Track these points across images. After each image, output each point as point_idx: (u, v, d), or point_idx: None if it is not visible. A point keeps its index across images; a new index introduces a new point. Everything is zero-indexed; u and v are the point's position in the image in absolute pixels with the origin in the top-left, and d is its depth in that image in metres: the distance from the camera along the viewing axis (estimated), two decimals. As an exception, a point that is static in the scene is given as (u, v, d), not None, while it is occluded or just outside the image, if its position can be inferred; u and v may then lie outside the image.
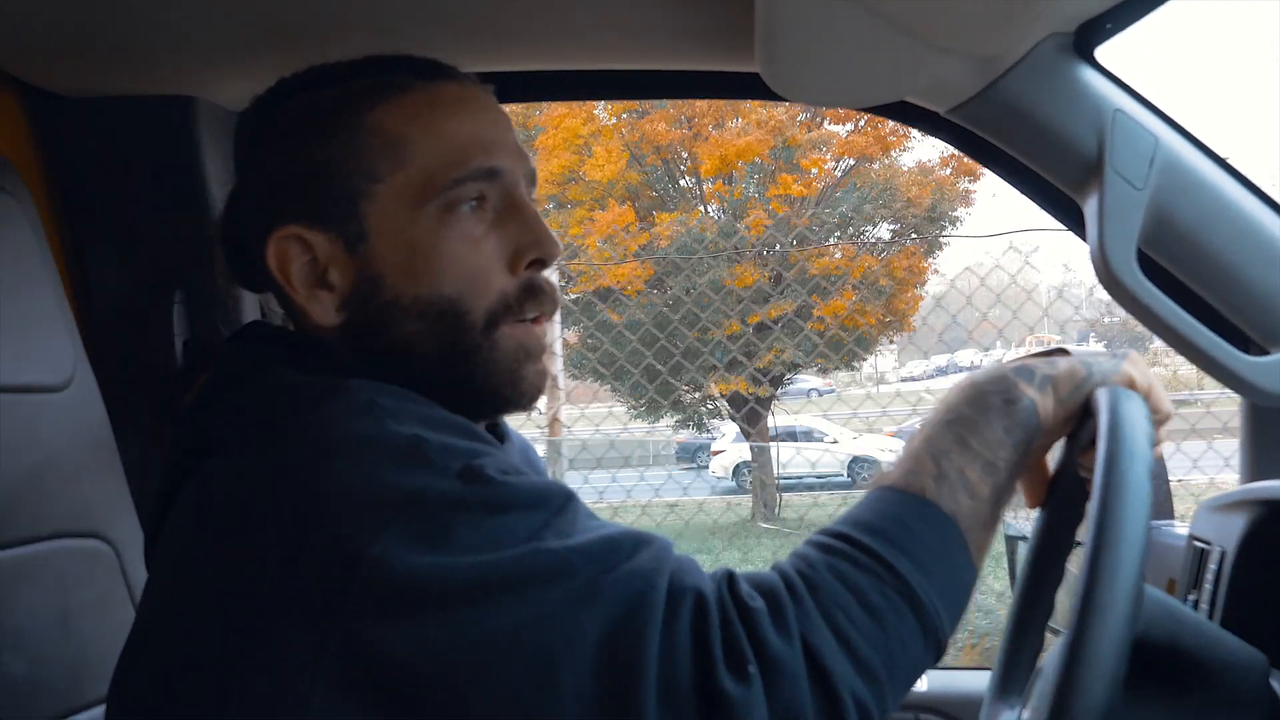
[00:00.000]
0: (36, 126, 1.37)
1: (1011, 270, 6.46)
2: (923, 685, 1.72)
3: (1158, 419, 0.93)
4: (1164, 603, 0.89)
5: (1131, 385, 0.91)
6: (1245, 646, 0.93)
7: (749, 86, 1.29)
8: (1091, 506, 0.79)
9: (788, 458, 9.44)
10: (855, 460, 10.27)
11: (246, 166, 0.99)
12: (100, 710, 1.19)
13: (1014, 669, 1.04)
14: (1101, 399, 0.87)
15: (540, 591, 0.72)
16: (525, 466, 1.08)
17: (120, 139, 1.40)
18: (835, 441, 10.46)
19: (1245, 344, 1.24)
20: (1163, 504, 1.55)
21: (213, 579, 0.77)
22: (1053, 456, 1.00)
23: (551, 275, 0.99)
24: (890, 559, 0.79)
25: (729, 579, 0.77)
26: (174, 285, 1.44)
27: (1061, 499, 1.00)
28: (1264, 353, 1.22)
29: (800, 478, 9.66)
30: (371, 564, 0.71)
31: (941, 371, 15.13)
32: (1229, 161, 1.23)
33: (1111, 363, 0.92)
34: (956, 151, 1.56)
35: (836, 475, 10.14)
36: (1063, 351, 0.95)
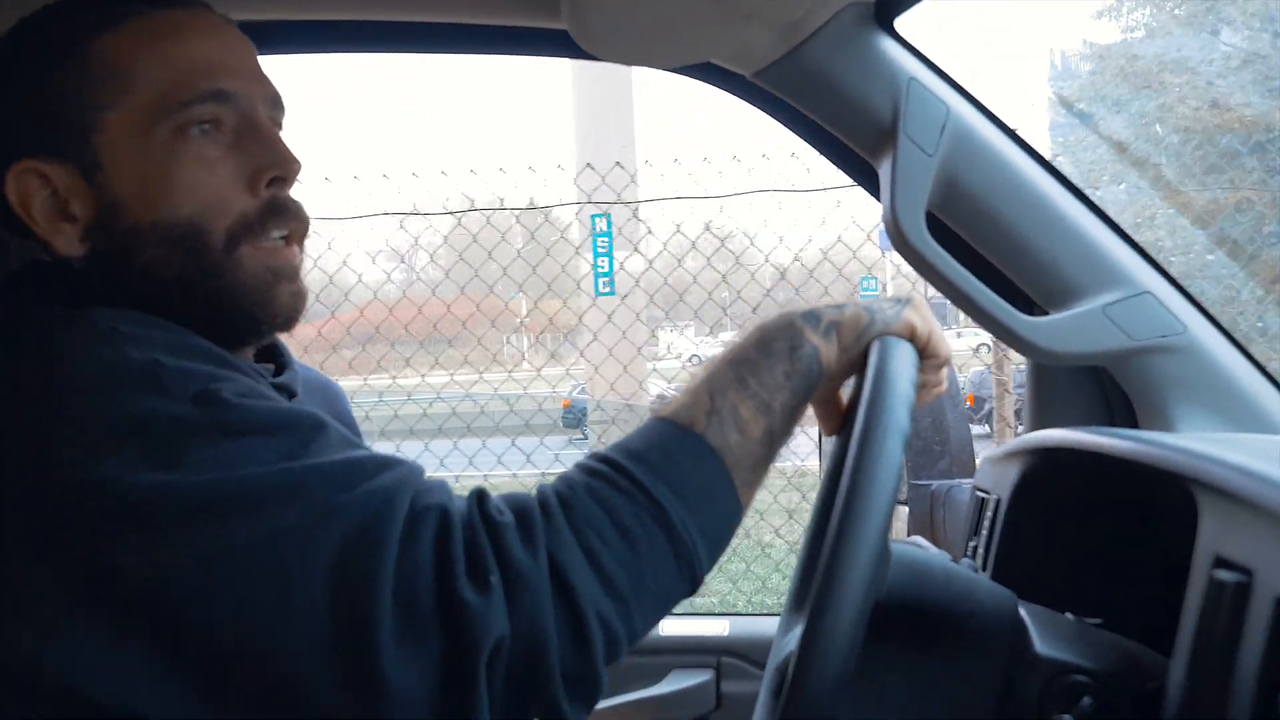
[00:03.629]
0: None
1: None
2: (724, 630, 1.78)
3: (936, 363, 0.98)
4: (912, 562, 0.93)
5: (912, 333, 0.94)
6: (995, 589, 0.97)
7: (557, 43, 1.31)
8: (848, 459, 0.81)
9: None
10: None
11: None
12: None
13: (809, 582, 1.09)
14: (874, 347, 0.91)
15: (274, 509, 0.73)
16: (313, 400, 1.10)
17: None
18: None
19: (1029, 307, 1.31)
20: (965, 464, 1.63)
21: None
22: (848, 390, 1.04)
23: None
24: (648, 484, 0.81)
25: (479, 496, 0.79)
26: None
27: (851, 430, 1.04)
28: (1045, 314, 1.30)
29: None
30: (100, 485, 0.73)
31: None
32: (1017, 132, 1.31)
33: (894, 309, 0.95)
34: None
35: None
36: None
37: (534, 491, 0.82)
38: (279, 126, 0.99)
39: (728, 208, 5.43)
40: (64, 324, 0.82)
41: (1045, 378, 1.40)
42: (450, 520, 0.76)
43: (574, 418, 9.15)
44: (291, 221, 0.95)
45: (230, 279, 0.92)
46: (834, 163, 1.43)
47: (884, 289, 8.25)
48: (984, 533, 1.29)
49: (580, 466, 0.84)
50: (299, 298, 0.97)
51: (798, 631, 1.08)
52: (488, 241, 5.93)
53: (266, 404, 0.80)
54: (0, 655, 0.76)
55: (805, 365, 0.91)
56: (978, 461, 1.55)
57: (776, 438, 0.90)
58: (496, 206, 5.85)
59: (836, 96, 1.26)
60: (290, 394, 1.02)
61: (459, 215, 6.08)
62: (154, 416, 0.75)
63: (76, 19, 0.94)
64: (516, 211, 5.84)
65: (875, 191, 1.38)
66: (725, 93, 1.37)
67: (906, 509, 1.64)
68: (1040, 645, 0.94)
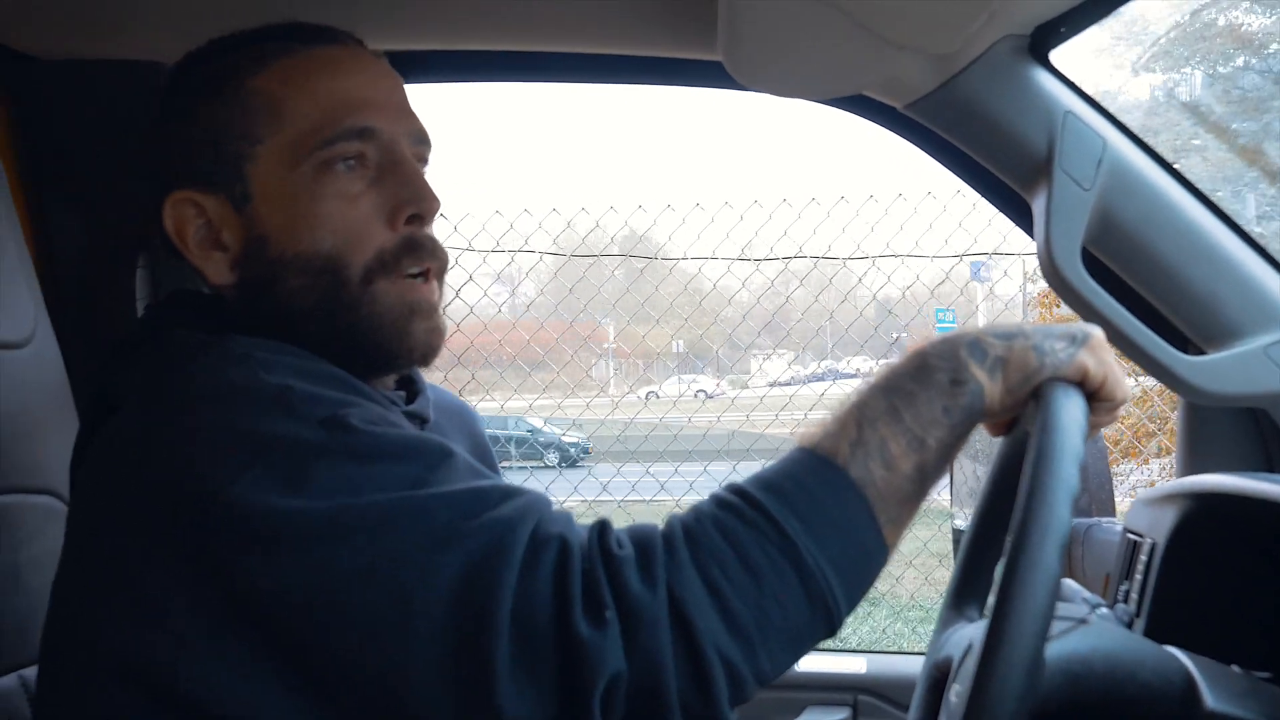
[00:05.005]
0: (7, 86, 1.38)
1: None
2: (862, 667, 1.75)
3: (1109, 407, 0.90)
4: (1068, 665, 0.90)
5: (1085, 377, 0.87)
6: (1160, 659, 0.95)
7: (710, 74, 1.31)
8: (1015, 517, 0.78)
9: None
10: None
11: (148, 137, 1.03)
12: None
13: (973, 577, 1.08)
14: (1044, 395, 0.84)
15: (397, 534, 0.74)
16: (460, 436, 1.11)
17: (90, 102, 1.41)
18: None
19: (1183, 344, 1.28)
20: (1104, 502, 1.59)
21: (100, 525, 0.83)
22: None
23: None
24: (778, 515, 0.76)
25: (600, 528, 0.77)
26: (137, 249, 1.45)
27: (1019, 438, 1.02)
28: (1200, 353, 1.26)
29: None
30: (229, 503, 0.75)
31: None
32: (1174, 166, 1.27)
33: (1067, 351, 0.86)
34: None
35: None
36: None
37: (665, 523, 0.79)
38: (424, 162, 1.01)
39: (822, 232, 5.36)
40: (202, 348, 0.86)
41: (1199, 419, 1.36)
42: (569, 552, 0.74)
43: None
44: (428, 258, 0.96)
45: (367, 312, 0.94)
46: (985, 196, 1.41)
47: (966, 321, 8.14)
48: (1138, 577, 1.25)
49: (712, 497, 0.81)
50: (435, 333, 0.98)
51: (958, 629, 1.08)
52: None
53: (394, 431, 0.81)
54: (136, 662, 0.79)
55: (966, 402, 0.84)
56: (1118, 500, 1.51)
57: (929, 475, 0.84)
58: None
59: (990, 129, 1.24)
60: (422, 420, 1.03)
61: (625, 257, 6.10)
62: (283, 438, 0.77)
63: (236, 55, 0.98)
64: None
65: (1026, 226, 1.36)
66: (875, 124, 1.36)
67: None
68: (1212, 701, 0.92)
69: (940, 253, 5.56)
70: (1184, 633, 1.09)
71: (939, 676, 1.06)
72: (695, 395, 8.24)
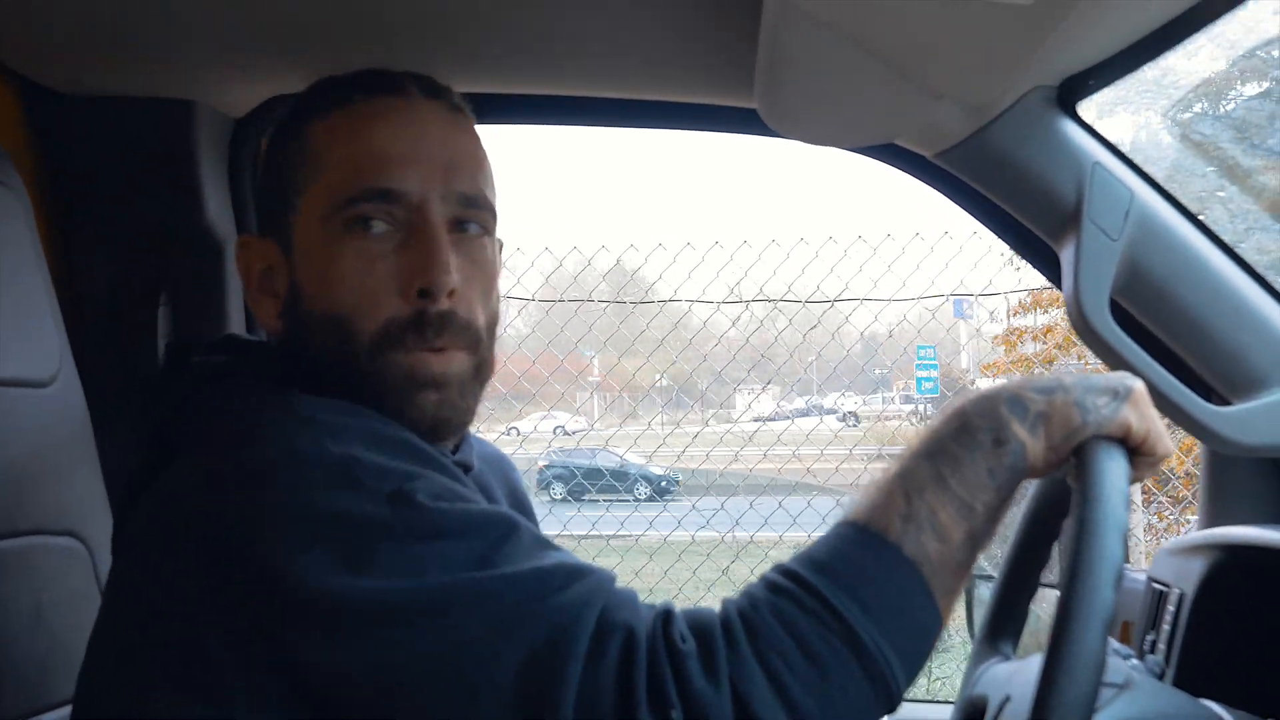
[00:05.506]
0: (34, 122, 1.37)
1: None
2: None
3: (1151, 462, 0.88)
4: None
5: (1128, 433, 0.85)
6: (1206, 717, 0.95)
7: (745, 121, 1.32)
8: (1061, 579, 0.78)
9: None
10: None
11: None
12: (67, 710, 1.18)
13: (1007, 613, 1.09)
14: (1086, 456, 0.83)
15: (460, 618, 0.72)
16: (498, 486, 1.09)
17: (117, 139, 1.41)
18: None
19: (1207, 394, 1.28)
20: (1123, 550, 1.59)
21: (151, 586, 0.80)
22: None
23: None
24: (837, 604, 0.75)
25: (665, 617, 0.75)
26: (160, 287, 1.44)
27: (1055, 479, 1.02)
28: (1225, 403, 1.26)
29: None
30: (294, 583, 0.73)
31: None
32: (1200, 218, 1.28)
33: (1110, 406, 0.84)
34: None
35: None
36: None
37: (720, 609, 0.78)
38: (479, 226, 0.96)
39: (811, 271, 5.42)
40: (268, 407, 0.84)
41: (1223, 469, 1.37)
42: (635, 643, 0.72)
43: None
44: (433, 338, 0.91)
45: (375, 381, 0.90)
46: (1011, 245, 1.41)
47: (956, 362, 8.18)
48: (1165, 627, 1.25)
49: (765, 581, 0.79)
50: (449, 407, 0.93)
51: (992, 665, 1.07)
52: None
53: (459, 506, 0.78)
54: None
55: (1010, 462, 0.82)
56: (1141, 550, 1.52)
57: (979, 541, 0.82)
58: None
59: (1019, 179, 1.25)
60: (466, 469, 1.01)
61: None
62: (348, 515, 0.75)
63: (308, 101, 0.98)
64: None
65: (1051, 274, 1.37)
66: (903, 172, 1.37)
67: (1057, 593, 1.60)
68: None
69: (926, 292, 5.61)
70: (1214, 684, 1.09)
71: (974, 714, 1.06)
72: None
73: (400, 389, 0.91)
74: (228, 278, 1.51)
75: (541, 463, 8.76)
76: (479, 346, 0.95)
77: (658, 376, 8.24)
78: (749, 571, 5.04)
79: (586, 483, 7.52)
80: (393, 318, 0.90)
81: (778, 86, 1.12)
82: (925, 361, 7.58)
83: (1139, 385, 0.87)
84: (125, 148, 1.42)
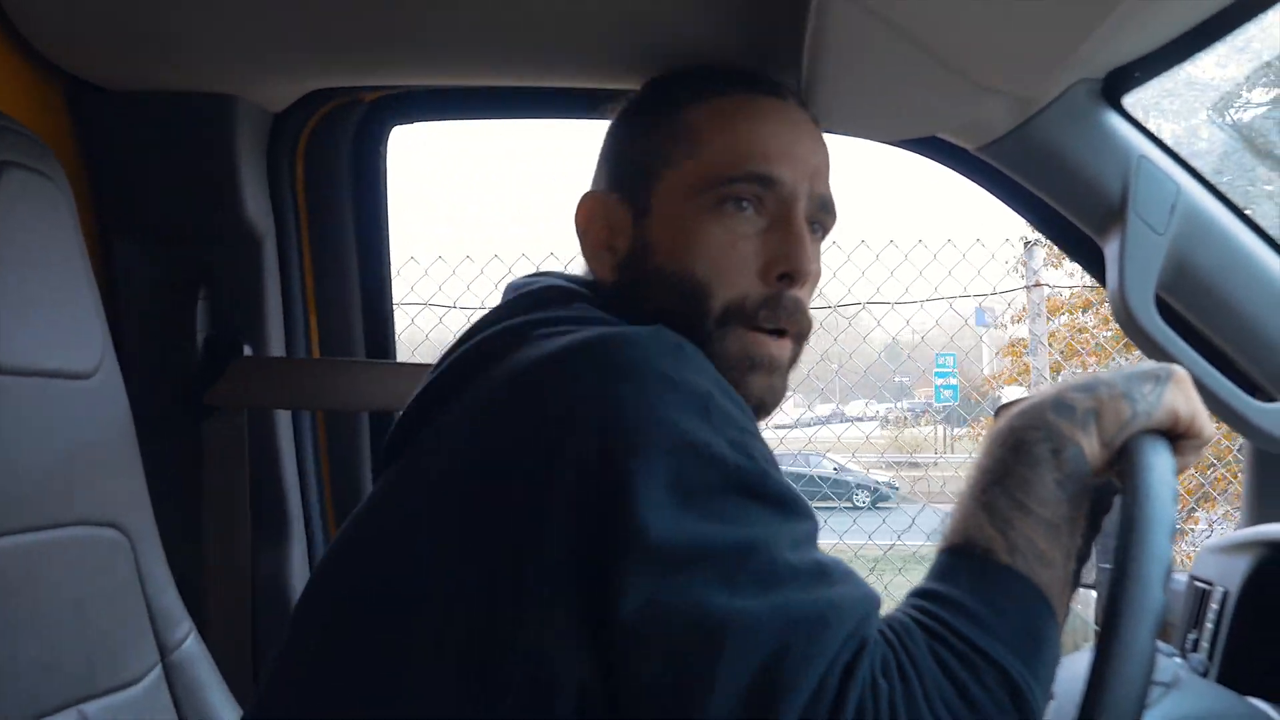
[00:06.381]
0: (78, 117, 1.38)
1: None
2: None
3: (1195, 445, 0.87)
4: None
5: (1175, 421, 0.84)
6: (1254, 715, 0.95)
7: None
8: (1110, 578, 0.77)
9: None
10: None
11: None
12: (109, 699, 1.18)
13: None
14: (1133, 453, 0.82)
15: (742, 585, 0.72)
16: None
17: (158, 133, 1.41)
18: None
19: (1252, 390, 1.27)
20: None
21: (465, 473, 0.81)
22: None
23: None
24: (988, 648, 0.74)
25: (871, 654, 0.73)
26: (199, 282, 1.45)
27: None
28: (1270, 400, 1.25)
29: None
30: (624, 479, 0.73)
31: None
32: (1246, 213, 1.27)
33: (1155, 393, 0.84)
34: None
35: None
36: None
37: (884, 643, 0.76)
38: (822, 230, 1.03)
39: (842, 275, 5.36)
40: (633, 327, 0.84)
41: (1267, 466, 1.36)
42: (862, 659, 0.72)
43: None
44: (784, 319, 0.97)
45: (713, 350, 0.93)
46: (1053, 240, 1.41)
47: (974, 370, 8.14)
48: (1209, 626, 1.24)
49: (911, 619, 0.77)
50: (772, 392, 0.98)
51: None
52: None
53: (780, 476, 0.79)
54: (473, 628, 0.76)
55: (1074, 468, 0.81)
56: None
57: (1072, 555, 0.81)
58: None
59: (1064, 172, 1.25)
60: None
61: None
62: (695, 438, 0.75)
63: (682, 87, 1.05)
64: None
65: (1094, 269, 1.36)
66: (944, 166, 1.36)
67: (1094, 593, 1.59)
68: None
69: (955, 296, 5.56)
70: (1259, 682, 1.08)
71: None
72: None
73: (735, 363, 0.95)
74: (266, 272, 1.51)
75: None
76: (804, 339, 1.01)
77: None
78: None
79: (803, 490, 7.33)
80: (747, 294, 0.96)
81: (823, 79, 1.11)
82: (944, 369, 7.55)
83: (1178, 369, 0.86)
84: (166, 142, 1.42)
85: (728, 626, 0.71)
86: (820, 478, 7.66)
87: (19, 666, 1.08)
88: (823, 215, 1.02)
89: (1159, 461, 0.81)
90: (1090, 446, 0.82)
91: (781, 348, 0.98)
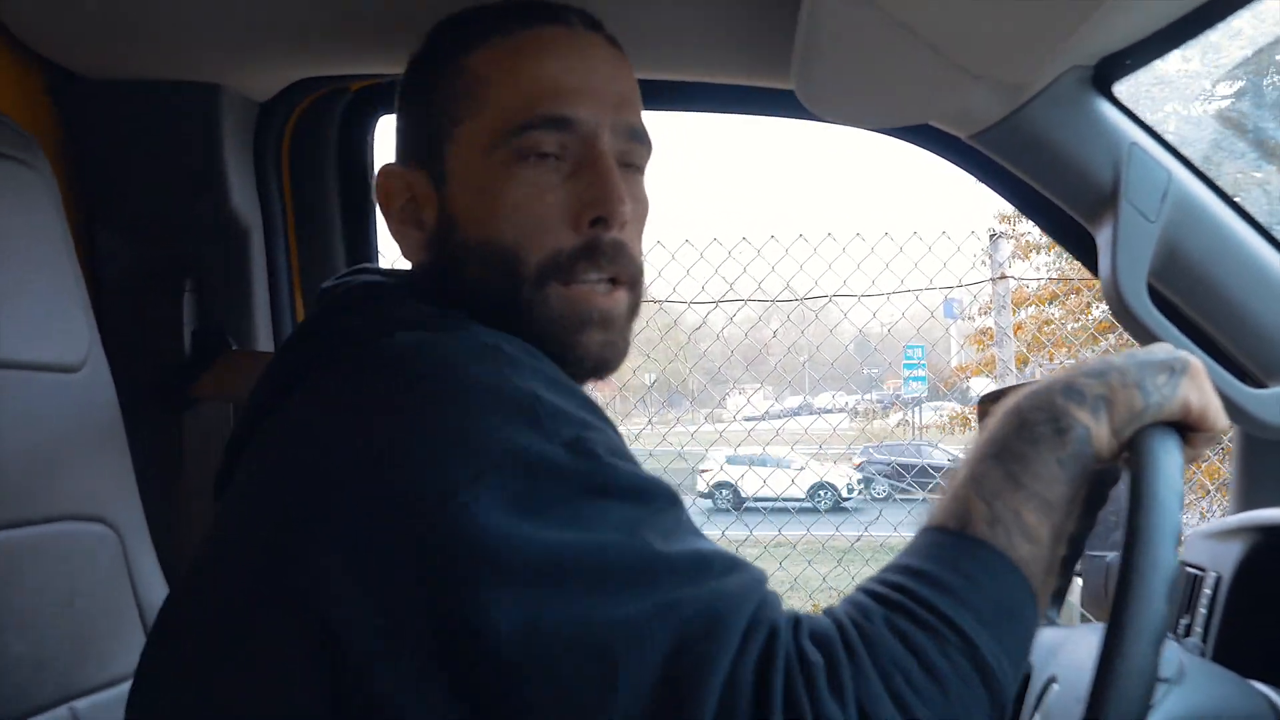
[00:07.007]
0: (60, 107, 1.36)
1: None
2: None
3: (1208, 438, 0.84)
4: None
5: (1187, 412, 0.81)
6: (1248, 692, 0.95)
7: (779, 103, 1.31)
8: (1114, 588, 0.74)
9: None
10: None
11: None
12: (100, 695, 1.17)
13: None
14: (1142, 445, 0.79)
15: (618, 589, 0.68)
16: None
17: (142, 123, 1.40)
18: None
19: (1241, 376, 1.28)
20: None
21: (281, 503, 0.74)
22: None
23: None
24: (954, 616, 0.71)
25: (796, 623, 0.71)
26: (185, 273, 1.43)
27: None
28: (1260, 386, 1.26)
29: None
30: (457, 512, 0.68)
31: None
32: (1236, 200, 1.28)
33: (1170, 385, 0.80)
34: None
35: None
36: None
37: (828, 618, 0.73)
38: (634, 162, 0.95)
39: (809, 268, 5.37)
40: (443, 328, 0.80)
41: (1256, 452, 1.36)
42: (776, 646, 0.68)
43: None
44: (608, 266, 0.90)
45: (536, 314, 0.88)
46: (1044, 229, 1.41)
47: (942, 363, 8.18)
48: (1201, 611, 1.24)
49: (871, 593, 0.74)
50: (610, 348, 0.91)
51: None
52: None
53: (630, 467, 0.74)
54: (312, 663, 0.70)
55: (1077, 448, 0.78)
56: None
57: (1061, 536, 0.78)
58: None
59: (1055, 160, 1.25)
60: None
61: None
62: (526, 453, 0.70)
63: (461, 31, 0.95)
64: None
65: (1085, 258, 1.36)
66: (936, 155, 1.36)
67: (1081, 580, 1.60)
68: None
69: (922, 288, 5.58)
70: (1254, 665, 1.09)
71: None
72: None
73: (564, 324, 0.89)
74: (253, 262, 1.50)
75: (859, 458, 8.51)
76: (638, 285, 0.94)
77: (643, 374, 8.20)
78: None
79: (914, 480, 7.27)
80: (560, 247, 0.88)
81: (815, 67, 1.11)
82: (913, 361, 7.56)
83: (1194, 360, 0.84)
84: (150, 132, 1.40)
85: (613, 637, 0.66)
86: (932, 467, 7.56)
87: (8, 663, 1.07)
88: (636, 146, 0.94)
89: (1168, 461, 0.78)
90: (1099, 432, 0.79)
91: (613, 299, 0.91)
